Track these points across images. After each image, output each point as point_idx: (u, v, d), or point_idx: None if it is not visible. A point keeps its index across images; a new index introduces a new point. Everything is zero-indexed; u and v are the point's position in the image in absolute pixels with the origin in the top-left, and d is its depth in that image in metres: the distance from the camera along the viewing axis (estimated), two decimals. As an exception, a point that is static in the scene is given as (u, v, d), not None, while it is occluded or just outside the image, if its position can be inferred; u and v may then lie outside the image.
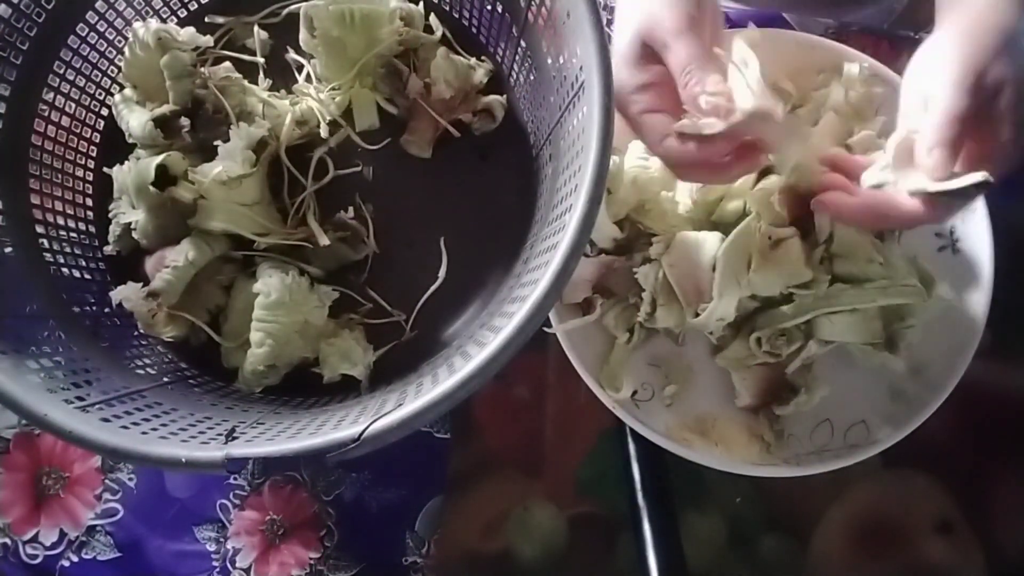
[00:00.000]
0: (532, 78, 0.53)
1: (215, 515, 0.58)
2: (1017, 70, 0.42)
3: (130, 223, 0.51)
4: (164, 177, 0.50)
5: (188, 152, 0.51)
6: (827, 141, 0.52)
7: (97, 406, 0.41)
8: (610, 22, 0.62)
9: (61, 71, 0.51)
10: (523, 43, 0.52)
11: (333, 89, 0.55)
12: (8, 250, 0.48)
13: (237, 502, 0.58)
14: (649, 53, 0.44)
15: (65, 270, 0.51)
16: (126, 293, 0.50)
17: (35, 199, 0.51)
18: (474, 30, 0.57)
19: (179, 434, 0.41)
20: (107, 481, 0.59)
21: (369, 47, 0.53)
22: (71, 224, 0.53)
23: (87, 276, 0.53)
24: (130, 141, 0.52)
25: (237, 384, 0.52)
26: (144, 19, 0.54)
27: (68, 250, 0.52)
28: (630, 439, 0.55)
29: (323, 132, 0.54)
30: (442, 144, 0.56)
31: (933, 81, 0.42)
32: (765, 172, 0.51)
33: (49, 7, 0.49)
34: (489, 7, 0.54)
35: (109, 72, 0.55)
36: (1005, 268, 0.52)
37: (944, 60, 0.43)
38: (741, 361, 0.53)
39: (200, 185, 0.49)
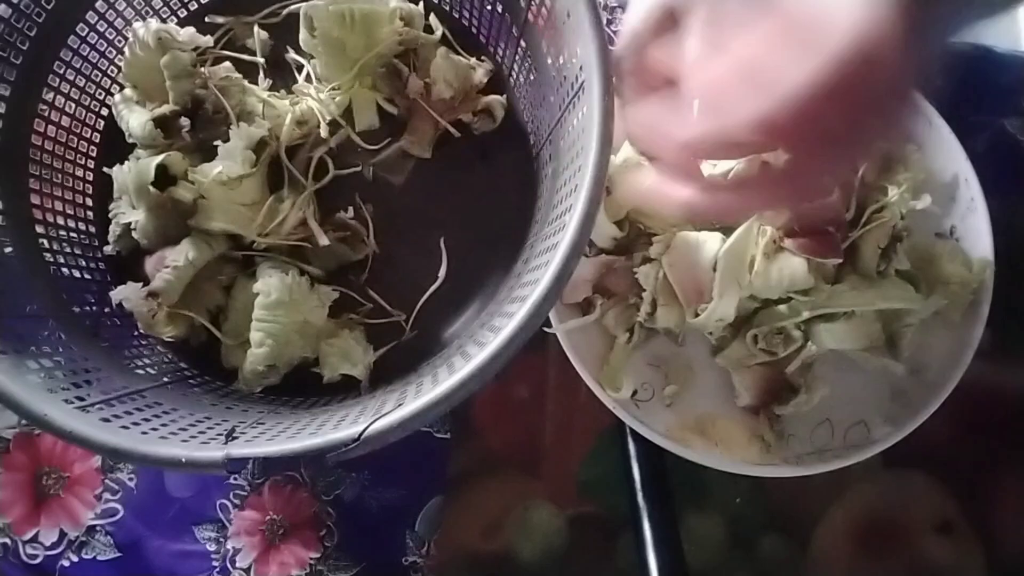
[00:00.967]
0: (532, 78, 0.53)
1: (215, 515, 0.58)
2: None
3: (130, 223, 0.51)
4: (164, 177, 0.50)
5: (188, 152, 0.51)
6: None
7: (97, 406, 0.41)
8: (610, 22, 0.63)
9: (61, 71, 0.51)
10: (523, 43, 0.52)
11: (333, 89, 0.55)
12: (8, 250, 0.48)
13: (237, 502, 0.58)
14: (665, 24, 0.38)
15: (65, 270, 0.51)
16: (126, 293, 0.50)
17: (35, 199, 0.51)
18: (474, 30, 0.57)
19: (179, 434, 0.41)
20: (107, 481, 0.59)
21: (369, 47, 0.53)
22: (71, 224, 0.53)
23: (87, 276, 0.53)
24: (130, 141, 0.52)
25: (237, 384, 0.52)
26: (144, 19, 0.54)
27: (68, 250, 0.52)
28: (630, 439, 0.55)
29: (323, 132, 0.54)
30: (442, 144, 0.56)
31: None
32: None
33: (49, 7, 0.49)
34: (489, 7, 0.54)
35: (109, 72, 0.55)
36: (1005, 268, 0.52)
37: None
38: (741, 361, 0.53)
39: (200, 185, 0.49)
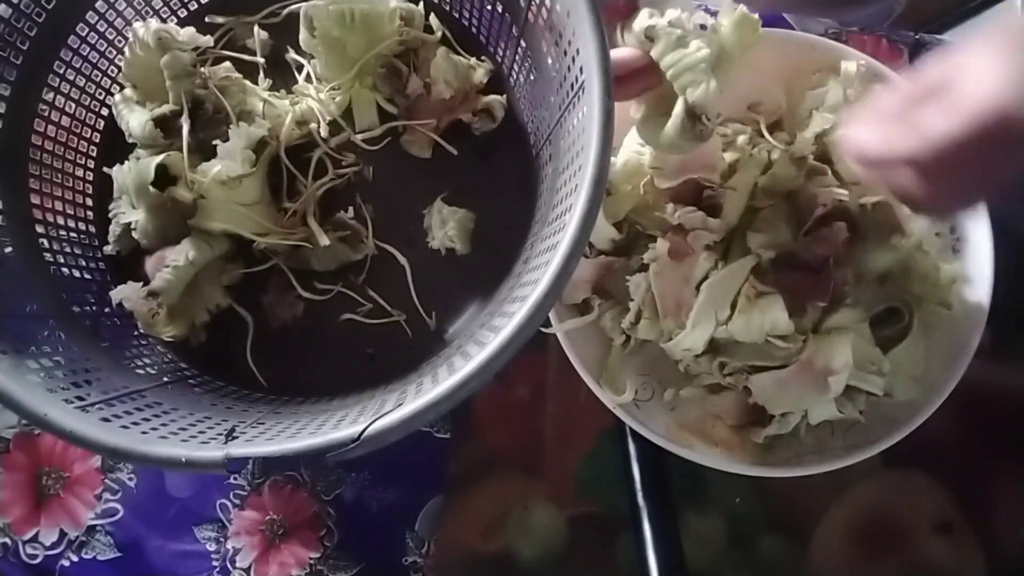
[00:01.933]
0: (532, 78, 0.53)
1: (215, 515, 0.58)
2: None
3: (130, 223, 0.51)
4: (164, 177, 0.50)
5: (188, 152, 0.51)
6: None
7: (97, 406, 0.41)
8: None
9: (61, 71, 0.51)
10: (523, 43, 0.52)
11: (333, 89, 0.55)
12: (8, 250, 0.48)
13: (237, 502, 0.58)
14: None
15: (65, 270, 0.51)
16: (126, 293, 0.50)
17: (35, 199, 0.51)
18: (474, 30, 0.57)
19: (179, 434, 0.41)
20: (107, 481, 0.59)
21: (369, 47, 0.53)
22: (71, 224, 0.53)
23: (87, 276, 0.53)
24: (130, 141, 0.52)
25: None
26: (144, 19, 0.54)
27: (68, 250, 0.52)
28: (630, 439, 0.55)
29: (323, 132, 0.54)
30: (442, 144, 0.56)
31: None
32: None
33: (49, 7, 0.49)
34: (489, 7, 0.54)
35: (109, 72, 0.55)
36: (1005, 268, 0.52)
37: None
38: (709, 389, 0.53)
39: (200, 185, 0.49)
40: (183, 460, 0.37)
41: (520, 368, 0.59)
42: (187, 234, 0.51)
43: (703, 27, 0.43)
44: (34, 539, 0.58)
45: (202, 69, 0.52)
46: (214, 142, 0.49)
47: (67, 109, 0.53)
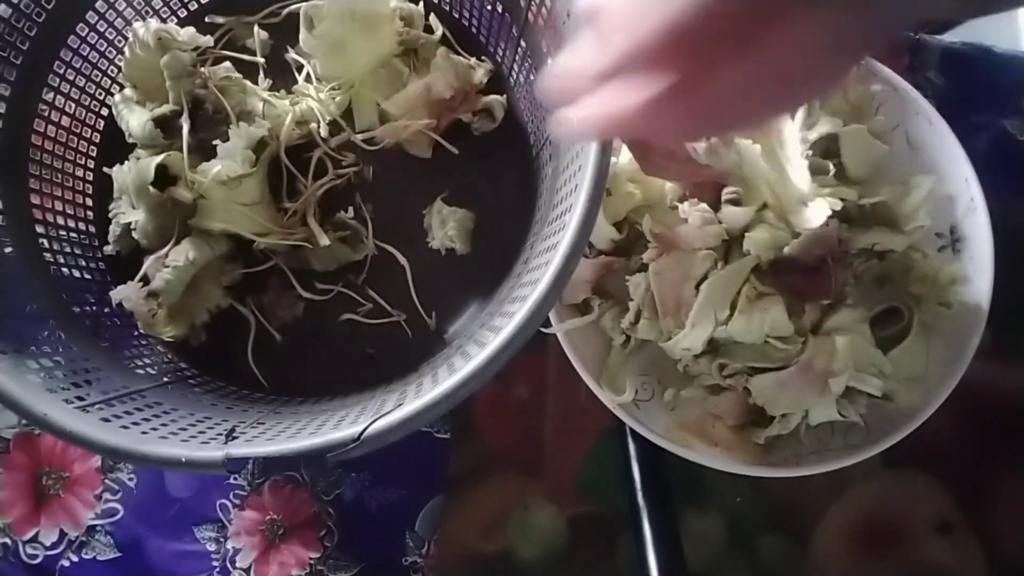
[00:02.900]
0: (532, 78, 0.53)
1: (215, 515, 0.58)
2: None
3: (130, 223, 0.51)
4: (164, 177, 0.50)
5: (188, 152, 0.51)
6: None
7: (97, 406, 0.41)
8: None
9: (61, 71, 0.51)
10: (523, 43, 0.52)
11: (333, 89, 0.55)
12: (8, 250, 0.48)
13: (237, 502, 0.58)
14: None
15: (65, 270, 0.51)
16: (126, 293, 0.50)
17: (35, 199, 0.51)
18: (474, 30, 0.57)
19: (179, 434, 0.41)
20: (107, 481, 0.59)
21: (369, 47, 0.53)
22: (71, 224, 0.53)
23: (87, 276, 0.53)
24: (130, 141, 0.52)
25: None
26: (144, 19, 0.54)
27: (68, 250, 0.52)
28: (630, 439, 0.55)
29: (323, 132, 0.54)
30: (442, 144, 0.56)
31: None
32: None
33: (49, 7, 0.49)
34: (489, 7, 0.54)
35: (109, 72, 0.55)
36: (1005, 268, 0.52)
37: None
38: (710, 389, 0.53)
39: (200, 185, 0.49)
40: (183, 460, 0.37)
41: (520, 368, 0.59)
42: (187, 234, 0.51)
43: None
44: (34, 539, 0.58)
45: (202, 69, 0.52)
46: (214, 142, 0.49)
47: (67, 109, 0.53)
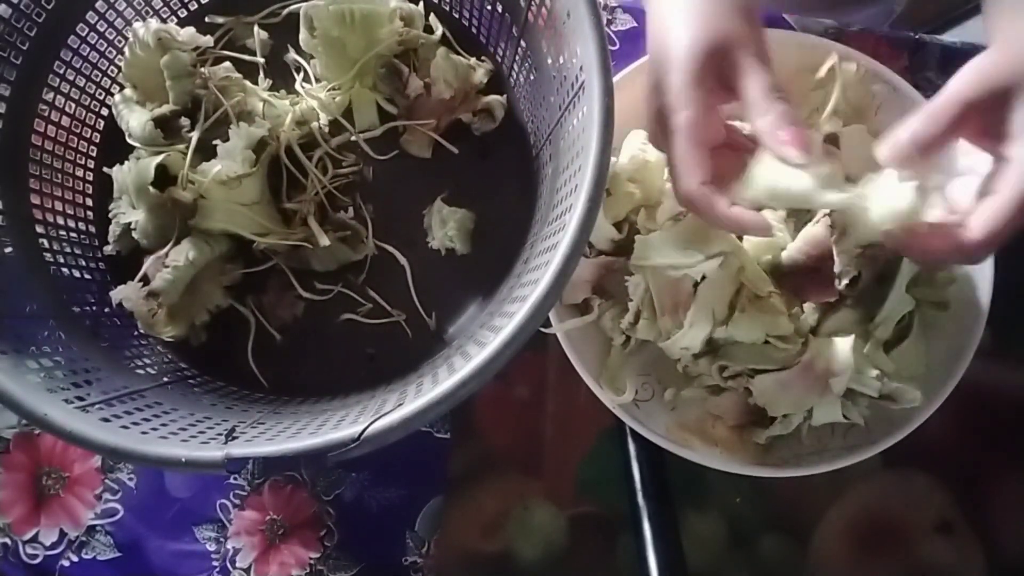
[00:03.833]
0: (532, 78, 0.53)
1: (215, 515, 0.58)
2: None
3: (130, 223, 0.51)
4: (164, 177, 0.50)
5: (192, 152, 0.51)
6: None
7: (97, 406, 0.41)
8: (610, 22, 0.63)
9: (61, 71, 0.51)
10: (523, 43, 0.52)
11: (333, 89, 0.55)
12: (8, 250, 0.48)
13: (237, 502, 0.58)
14: (713, 71, 0.41)
15: (65, 270, 0.51)
16: (126, 293, 0.50)
17: (35, 199, 0.51)
18: (474, 30, 0.57)
19: (179, 434, 0.41)
20: (107, 481, 0.59)
21: (369, 47, 0.53)
22: (71, 224, 0.53)
23: (87, 276, 0.53)
24: (130, 141, 0.52)
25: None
26: (144, 19, 0.54)
27: (68, 250, 0.52)
28: (630, 439, 0.55)
29: (323, 131, 0.54)
30: (442, 144, 0.56)
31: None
32: None
33: (49, 7, 0.49)
34: (489, 7, 0.54)
35: (109, 72, 0.55)
36: (1005, 268, 0.52)
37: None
38: (710, 389, 0.53)
39: (200, 185, 0.49)
40: (183, 460, 0.37)
41: (520, 368, 0.59)
42: (187, 234, 0.51)
43: None
44: (34, 539, 0.58)
45: (202, 69, 0.52)
46: (214, 142, 0.49)
47: (67, 109, 0.53)
